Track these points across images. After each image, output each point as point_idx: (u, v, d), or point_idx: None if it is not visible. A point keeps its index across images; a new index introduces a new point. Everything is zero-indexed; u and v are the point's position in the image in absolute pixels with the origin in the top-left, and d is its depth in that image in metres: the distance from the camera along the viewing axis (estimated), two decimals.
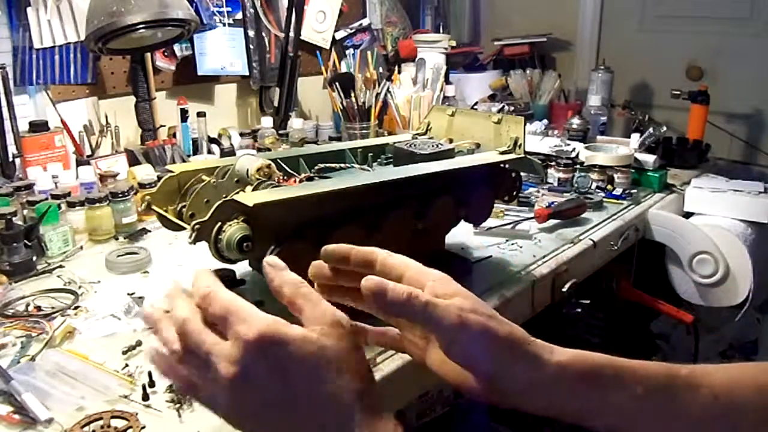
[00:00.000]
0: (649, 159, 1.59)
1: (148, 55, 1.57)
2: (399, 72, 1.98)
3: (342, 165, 1.05)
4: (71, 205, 1.19)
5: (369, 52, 1.92)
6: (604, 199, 1.46)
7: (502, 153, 1.03)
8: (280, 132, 1.81)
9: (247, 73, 1.87)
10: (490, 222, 1.18)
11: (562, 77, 2.15)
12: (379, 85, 1.76)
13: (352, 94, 1.72)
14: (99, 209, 1.19)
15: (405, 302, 0.45)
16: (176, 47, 1.68)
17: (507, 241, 1.23)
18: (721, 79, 1.92)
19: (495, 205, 1.12)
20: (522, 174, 1.11)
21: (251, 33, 1.85)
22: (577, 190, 1.49)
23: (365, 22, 2.18)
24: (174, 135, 1.64)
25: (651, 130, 1.67)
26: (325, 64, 1.92)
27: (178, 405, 0.72)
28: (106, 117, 1.56)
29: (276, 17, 1.91)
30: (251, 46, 1.86)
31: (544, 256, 1.17)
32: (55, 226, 1.13)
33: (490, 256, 1.16)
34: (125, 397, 0.74)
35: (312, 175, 0.99)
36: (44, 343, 0.84)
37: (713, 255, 1.40)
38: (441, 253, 1.08)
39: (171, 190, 0.96)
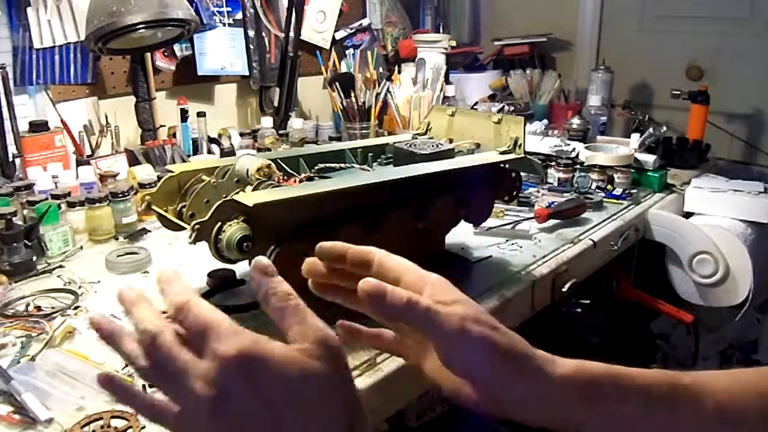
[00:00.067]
0: (649, 159, 1.59)
1: (148, 55, 1.57)
2: (399, 72, 1.98)
3: (342, 165, 1.05)
4: (71, 205, 1.19)
5: (369, 52, 1.92)
6: (604, 199, 1.46)
7: (502, 153, 1.03)
8: (280, 132, 1.81)
9: (247, 73, 1.87)
10: (490, 222, 1.18)
11: (562, 77, 2.15)
12: (379, 85, 1.76)
13: (352, 94, 1.72)
14: (99, 209, 1.19)
15: (404, 307, 0.44)
16: (176, 47, 1.68)
17: (507, 241, 1.23)
18: (721, 79, 1.92)
19: (495, 205, 1.12)
20: (522, 174, 1.11)
21: (251, 33, 1.85)
22: (577, 190, 1.49)
23: (365, 22, 2.18)
24: (174, 135, 1.64)
25: (651, 130, 1.67)
26: (325, 64, 1.92)
27: None
28: (106, 117, 1.56)
29: (276, 17, 1.91)
30: (251, 46, 1.85)
31: (544, 256, 1.17)
32: (55, 226, 1.13)
33: (490, 256, 1.16)
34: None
35: (312, 175, 0.99)
36: (44, 343, 0.84)
37: (713, 255, 1.40)
38: (441, 253, 1.08)
39: (171, 190, 0.96)
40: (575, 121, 1.76)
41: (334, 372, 0.40)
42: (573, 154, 1.56)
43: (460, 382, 0.46)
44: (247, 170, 0.89)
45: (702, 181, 1.59)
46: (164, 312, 0.44)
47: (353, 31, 2.15)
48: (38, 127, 1.41)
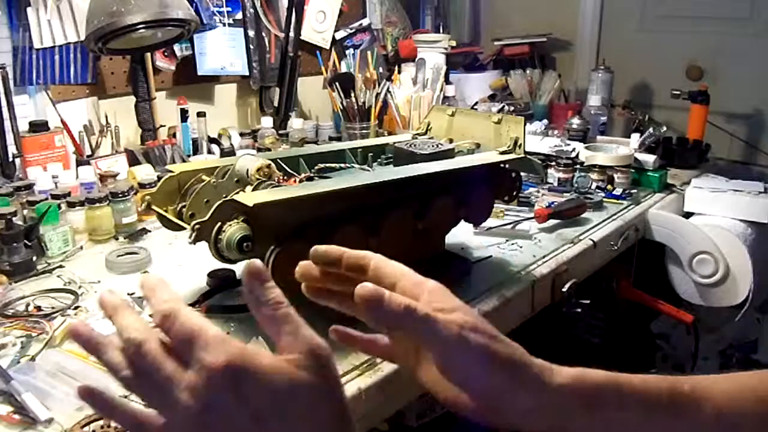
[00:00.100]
0: (649, 159, 1.59)
1: (148, 55, 1.57)
2: (399, 72, 1.98)
3: (342, 165, 1.05)
4: (71, 205, 1.19)
5: (369, 52, 1.92)
6: (604, 199, 1.46)
7: (502, 153, 1.03)
8: (280, 132, 1.81)
9: (247, 73, 1.87)
10: (490, 222, 1.18)
11: (562, 77, 2.15)
12: (379, 85, 1.76)
13: (352, 94, 1.72)
14: (99, 209, 1.19)
15: (402, 314, 0.43)
16: (176, 47, 1.68)
17: (507, 241, 1.23)
18: (721, 79, 1.92)
19: (495, 205, 1.12)
20: (522, 174, 1.11)
21: (251, 33, 1.85)
22: (577, 190, 1.49)
23: (365, 22, 2.18)
24: (174, 135, 1.64)
25: (651, 130, 1.67)
26: (325, 64, 1.92)
27: None
28: (106, 117, 1.56)
29: (276, 17, 1.91)
30: (251, 46, 1.85)
31: (544, 256, 1.17)
32: (55, 226, 1.13)
33: (490, 256, 1.16)
34: (125, 397, 0.74)
35: (312, 175, 0.99)
36: (44, 343, 0.84)
37: (713, 255, 1.40)
38: (441, 253, 1.08)
39: (171, 190, 0.96)
40: (575, 121, 1.76)
41: (323, 382, 0.39)
42: (573, 154, 1.57)
43: (457, 391, 0.45)
44: (247, 170, 0.89)
45: (702, 181, 1.59)
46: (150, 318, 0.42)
47: (353, 31, 2.15)
48: (38, 127, 1.41)
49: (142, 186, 1.28)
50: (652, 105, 2.10)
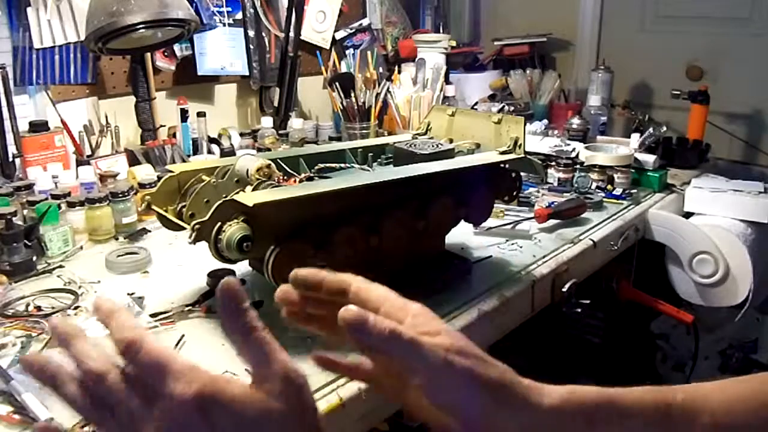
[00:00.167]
0: (649, 159, 1.59)
1: (148, 55, 1.57)
2: (399, 72, 1.98)
3: (342, 165, 1.05)
4: (71, 205, 1.19)
5: (369, 52, 1.92)
6: (604, 199, 1.46)
7: (502, 153, 1.03)
8: (280, 132, 1.81)
9: (247, 73, 1.87)
10: (490, 222, 1.18)
11: (562, 77, 2.15)
12: (379, 85, 1.76)
13: (352, 94, 1.72)
14: (99, 209, 1.19)
15: (387, 338, 0.41)
16: (176, 47, 1.68)
17: (507, 241, 1.23)
18: (721, 79, 1.92)
19: (495, 205, 1.12)
20: (522, 174, 1.11)
21: (251, 33, 1.85)
22: (577, 190, 1.49)
23: (365, 22, 2.18)
24: (174, 135, 1.64)
25: (651, 130, 1.67)
26: (325, 64, 1.92)
27: None
28: (106, 117, 1.56)
29: (276, 17, 1.91)
30: (251, 46, 1.85)
31: (544, 256, 1.17)
32: (55, 226, 1.13)
33: (490, 256, 1.16)
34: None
35: (312, 175, 0.99)
36: (44, 343, 0.84)
37: (713, 255, 1.40)
38: (441, 253, 1.08)
39: (171, 190, 0.96)
40: (575, 121, 1.76)
41: (296, 409, 0.39)
42: (573, 154, 1.56)
43: (443, 416, 0.44)
44: (247, 170, 0.89)
45: (702, 181, 1.59)
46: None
47: (353, 31, 2.15)
48: (38, 127, 1.41)
49: (142, 186, 1.28)
50: (652, 105, 2.10)
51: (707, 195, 1.49)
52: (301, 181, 0.93)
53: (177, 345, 0.84)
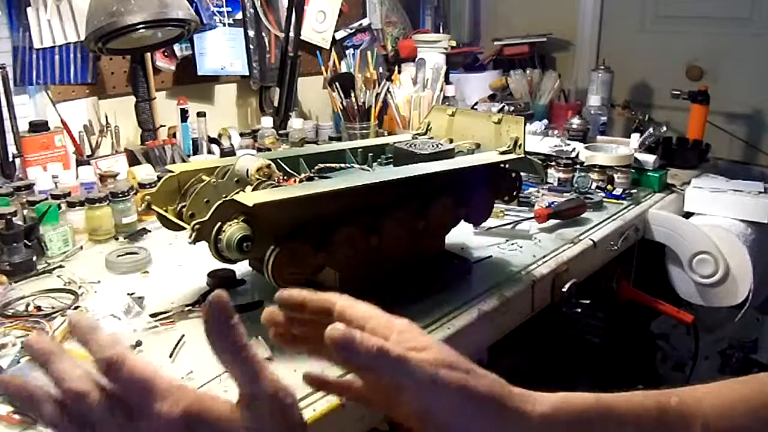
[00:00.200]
0: (649, 159, 1.59)
1: (148, 55, 1.57)
2: (399, 72, 1.98)
3: (342, 165, 1.05)
4: (71, 205, 1.19)
5: (369, 52, 1.92)
6: (604, 199, 1.46)
7: (502, 153, 1.03)
8: (280, 132, 1.81)
9: (247, 73, 1.87)
10: (490, 222, 1.18)
11: (562, 77, 2.15)
12: (379, 85, 1.76)
13: (352, 94, 1.72)
14: (99, 209, 1.19)
15: (375, 356, 0.41)
16: (176, 47, 1.68)
17: (507, 241, 1.23)
18: (721, 79, 1.92)
19: (495, 205, 1.12)
20: (522, 174, 1.11)
21: (251, 33, 1.85)
22: (577, 190, 1.49)
23: (365, 22, 2.18)
24: (174, 135, 1.64)
25: (651, 130, 1.67)
26: (325, 64, 1.92)
27: None
28: (106, 117, 1.56)
29: (276, 17, 1.91)
30: (251, 46, 1.85)
31: (544, 256, 1.17)
32: (55, 226, 1.13)
33: (490, 256, 1.16)
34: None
35: (312, 175, 0.99)
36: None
37: (713, 255, 1.40)
38: (441, 253, 1.08)
39: (171, 190, 0.96)
40: (575, 121, 1.76)
41: (283, 426, 0.38)
42: (573, 154, 1.56)
43: (436, 431, 0.43)
44: (247, 170, 0.89)
45: (702, 181, 1.59)
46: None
47: (353, 31, 2.15)
48: (38, 127, 1.41)
49: (142, 186, 1.28)
50: (652, 105, 2.10)
51: (707, 195, 1.49)
52: (301, 181, 0.93)
53: (177, 345, 0.84)
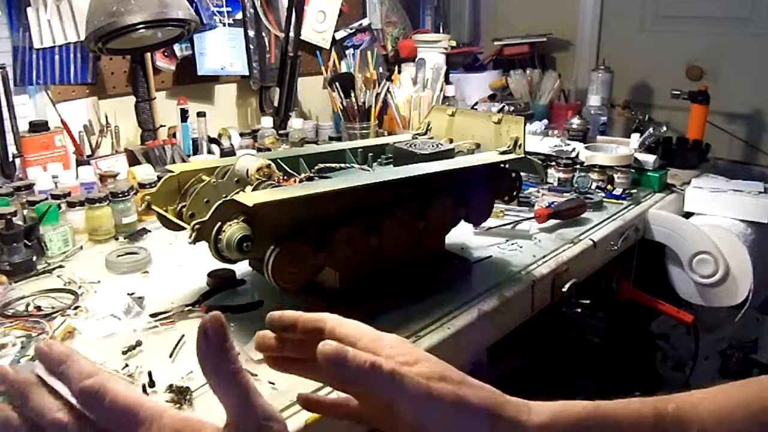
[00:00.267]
0: (649, 159, 1.59)
1: (148, 55, 1.57)
2: (399, 72, 1.98)
3: (342, 165, 1.05)
4: (71, 205, 1.19)
5: (369, 52, 1.92)
6: (604, 199, 1.46)
7: (502, 153, 1.03)
8: (280, 132, 1.81)
9: (247, 73, 1.87)
10: (490, 222, 1.18)
11: (562, 77, 2.15)
12: (379, 85, 1.76)
13: (352, 94, 1.72)
14: (99, 209, 1.19)
15: (368, 372, 0.40)
16: (176, 47, 1.68)
17: (507, 241, 1.23)
18: (721, 79, 1.92)
19: (495, 205, 1.12)
20: (522, 174, 1.11)
21: (251, 33, 1.85)
22: (577, 190, 1.49)
23: (365, 22, 2.18)
24: (174, 135, 1.64)
25: (651, 130, 1.67)
26: (325, 64, 1.92)
27: (178, 405, 0.72)
28: (106, 117, 1.56)
29: (276, 17, 1.91)
30: (251, 46, 1.85)
31: (544, 256, 1.17)
32: (55, 226, 1.13)
33: (490, 256, 1.16)
34: None
35: (312, 175, 0.99)
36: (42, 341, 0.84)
37: (713, 255, 1.40)
38: (441, 253, 1.08)
39: (171, 190, 0.96)
40: (575, 121, 1.76)
41: None
42: (573, 154, 1.56)
43: None
44: (247, 170, 0.89)
45: (702, 181, 1.59)
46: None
47: (353, 31, 2.15)
48: (38, 127, 1.41)
49: (142, 186, 1.28)
50: (652, 105, 2.10)
51: (707, 195, 1.49)
52: (301, 181, 0.93)
53: (177, 345, 0.84)
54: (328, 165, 1.03)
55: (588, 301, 1.24)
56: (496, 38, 2.31)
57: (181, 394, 0.73)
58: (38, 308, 0.94)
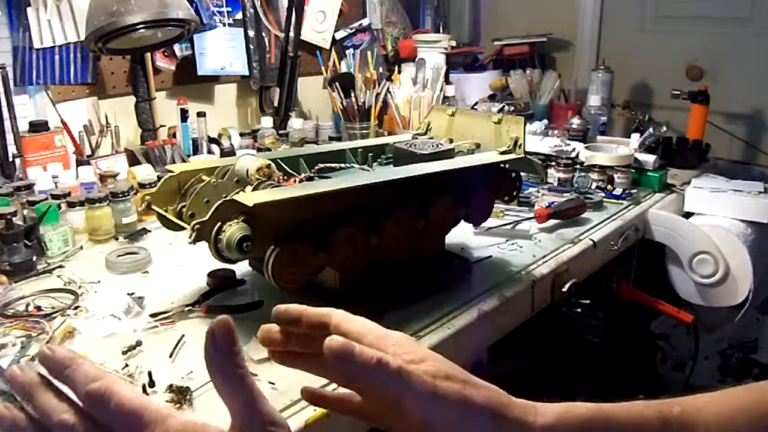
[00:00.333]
0: (649, 159, 1.59)
1: (148, 55, 1.57)
2: (399, 72, 1.98)
3: (342, 165, 1.05)
4: (71, 205, 1.20)
5: (369, 52, 1.92)
6: (604, 199, 1.46)
7: (502, 153, 1.03)
8: (280, 132, 1.81)
9: (247, 73, 1.87)
10: (490, 222, 1.18)
11: (562, 77, 2.15)
12: (379, 85, 1.76)
13: (352, 94, 1.72)
14: (99, 209, 1.19)
15: (374, 368, 0.40)
16: (176, 47, 1.68)
17: (507, 241, 1.23)
18: (721, 79, 1.92)
19: (495, 205, 1.12)
20: (522, 174, 1.11)
21: (251, 33, 1.85)
22: (577, 190, 1.49)
23: (365, 22, 2.18)
24: (174, 135, 1.64)
25: (651, 130, 1.67)
26: (325, 64, 1.92)
27: (178, 405, 0.72)
28: (106, 117, 1.56)
29: (276, 17, 1.91)
30: (251, 46, 1.85)
31: (544, 256, 1.17)
32: (55, 226, 1.13)
33: (490, 256, 1.16)
34: None
35: (312, 175, 0.99)
36: (44, 343, 0.84)
37: (713, 255, 1.40)
38: (441, 253, 1.08)
39: (171, 190, 0.96)
40: (575, 121, 1.76)
41: None
42: (573, 154, 1.56)
43: None
44: (247, 170, 0.89)
45: (702, 181, 1.59)
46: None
47: (353, 31, 2.15)
48: (38, 127, 1.41)
49: (142, 186, 1.28)
50: (652, 105, 2.10)
51: (707, 195, 1.49)
52: (301, 181, 0.93)
53: (177, 345, 0.84)
54: (328, 165, 1.03)
55: (588, 301, 1.24)
56: (496, 38, 2.31)
57: (181, 394, 0.73)
58: (38, 308, 0.94)
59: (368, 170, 1.05)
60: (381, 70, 2.07)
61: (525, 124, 1.04)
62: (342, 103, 1.73)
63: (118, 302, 0.94)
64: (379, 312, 0.90)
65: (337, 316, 0.46)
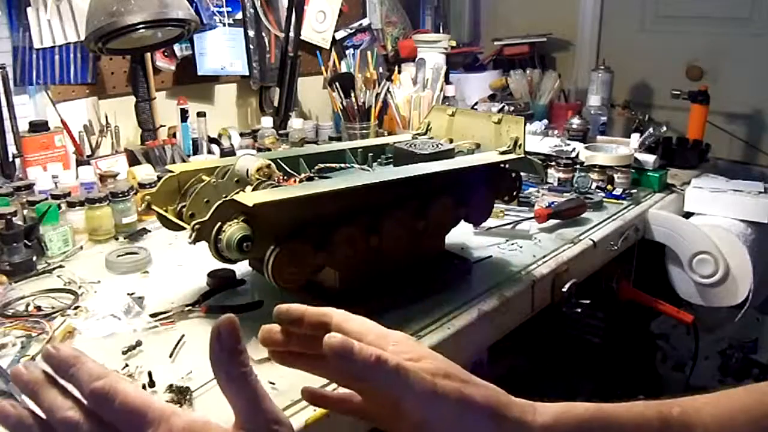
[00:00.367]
0: (649, 159, 1.59)
1: (148, 55, 1.57)
2: (399, 72, 1.98)
3: (342, 165, 1.05)
4: (71, 205, 1.20)
5: (369, 52, 1.92)
6: (604, 199, 1.46)
7: (502, 153, 1.03)
8: (280, 132, 1.81)
9: (247, 73, 1.87)
10: (490, 222, 1.18)
11: (562, 77, 2.15)
12: (379, 85, 1.76)
13: (352, 94, 1.72)
14: (99, 209, 1.19)
15: (373, 366, 0.40)
16: (176, 47, 1.68)
17: (507, 241, 1.23)
18: (721, 79, 1.92)
19: (495, 205, 1.12)
20: (522, 174, 1.11)
21: (251, 33, 1.85)
22: (577, 190, 1.49)
23: (365, 22, 2.18)
24: (174, 135, 1.64)
25: (651, 130, 1.67)
26: (325, 64, 1.92)
27: (178, 405, 0.72)
28: (106, 117, 1.56)
29: (276, 17, 1.91)
30: (251, 46, 1.86)
31: (544, 256, 1.17)
32: (55, 226, 1.13)
33: (490, 256, 1.16)
34: None
35: (312, 175, 0.99)
36: (44, 343, 0.84)
37: (713, 255, 1.40)
38: (441, 253, 1.08)
39: (171, 190, 0.96)
40: (575, 121, 1.76)
41: None
42: (573, 154, 1.56)
43: None
44: (247, 170, 0.89)
45: (702, 181, 1.59)
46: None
47: (353, 31, 2.15)
48: (38, 127, 1.41)
49: (142, 186, 1.28)
50: (652, 105, 2.10)
51: (707, 195, 1.49)
52: (301, 181, 0.93)
53: (177, 345, 0.84)
54: (328, 165, 1.03)
55: (588, 301, 1.24)
56: (496, 38, 2.31)
57: (181, 394, 0.73)
58: (38, 308, 0.94)
59: (368, 170, 1.05)
60: (381, 70, 2.07)
61: (525, 124, 1.04)
62: (342, 103, 1.73)
63: (118, 302, 0.94)
64: (379, 312, 0.90)
65: (337, 315, 0.47)
